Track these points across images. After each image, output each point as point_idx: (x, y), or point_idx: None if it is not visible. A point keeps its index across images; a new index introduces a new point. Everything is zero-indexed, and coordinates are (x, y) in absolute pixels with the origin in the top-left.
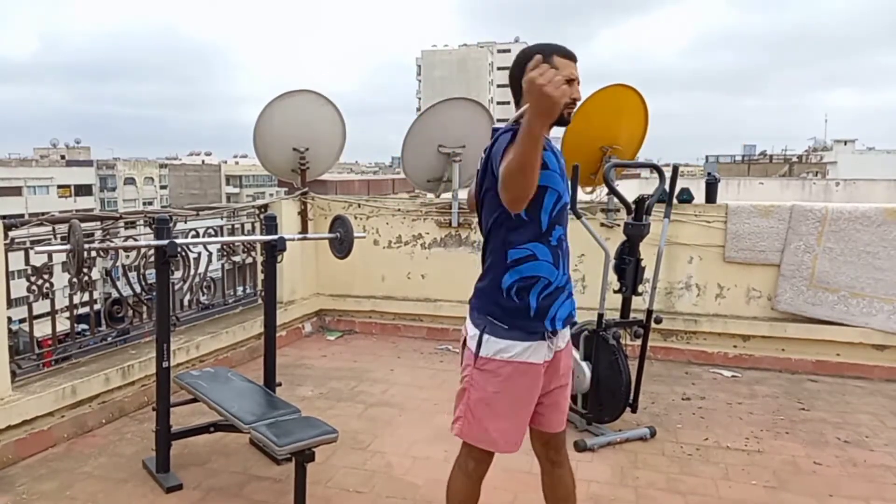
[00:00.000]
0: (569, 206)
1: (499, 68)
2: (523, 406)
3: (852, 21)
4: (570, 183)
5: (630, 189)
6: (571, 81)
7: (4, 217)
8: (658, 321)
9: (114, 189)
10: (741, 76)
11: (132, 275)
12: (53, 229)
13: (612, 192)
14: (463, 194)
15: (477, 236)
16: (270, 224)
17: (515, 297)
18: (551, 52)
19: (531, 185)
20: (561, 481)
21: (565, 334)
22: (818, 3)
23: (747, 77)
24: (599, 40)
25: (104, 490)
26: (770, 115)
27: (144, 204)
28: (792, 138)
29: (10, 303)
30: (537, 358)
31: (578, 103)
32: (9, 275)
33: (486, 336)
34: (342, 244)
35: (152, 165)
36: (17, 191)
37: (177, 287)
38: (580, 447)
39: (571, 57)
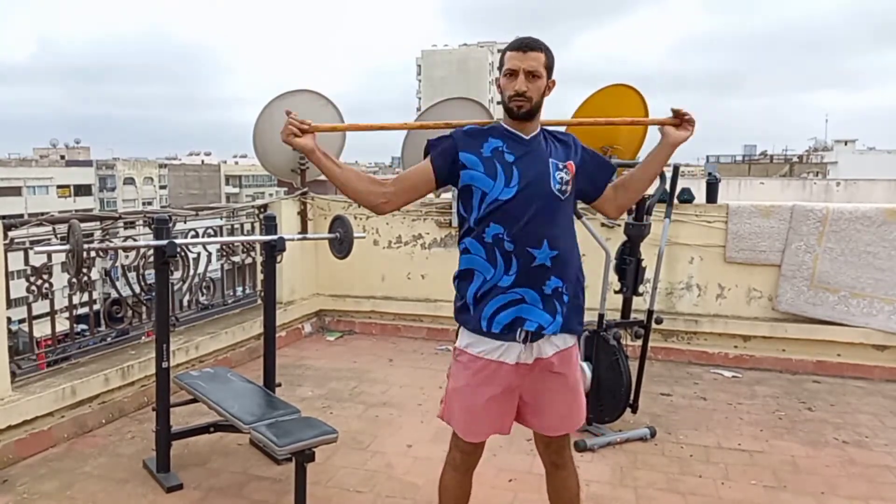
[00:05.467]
0: (509, 203)
1: (499, 68)
2: (486, 401)
3: (843, 23)
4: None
5: None
6: (515, 73)
7: (4, 217)
8: (659, 321)
9: (113, 189)
10: (735, 77)
11: (131, 275)
12: (53, 229)
13: None
14: None
15: None
16: (270, 224)
17: (457, 289)
18: (505, 50)
19: None
20: (565, 484)
21: (554, 342)
22: (806, 5)
23: (741, 78)
24: (587, 41)
25: (104, 490)
26: (767, 116)
27: (144, 204)
28: (786, 138)
29: (10, 303)
30: (507, 357)
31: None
32: (8, 275)
33: (461, 328)
34: (342, 244)
35: (152, 165)
36: (16, 191)
37: (176, 287)
38: (580, 447)
39: (521, 48)
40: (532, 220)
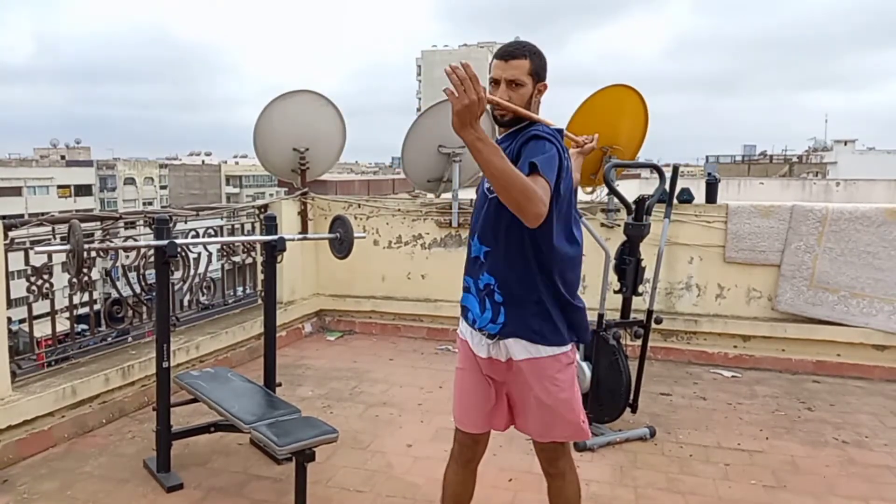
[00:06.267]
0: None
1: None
2: (468, 384)
3: (842, 23)
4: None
5: (630, 189)
6: (497, 83)
7: (4, 217)
8: (658, 321)
9: (114, 189)
10: (734, 77)
11: (132, 275)
12: (53, 229)
13: (613, 192)
14: (463, 194)
15: None
16: (270, 224)
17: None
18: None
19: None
20: (560, 493)
21: (525, 347)
22: (803, 4)
23: (740, 78)
24: (583, 41)
25: (105, 490)
26: (766, 116)
27: (144, 204)
28: (785, 138)
29: (10, 303)
30: (479, 351)
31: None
32: (9, 275)
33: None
34: (342, 244)
35: (152, 166)
36: (17, 191)
37: (176, 287)
38: (580, 447)
39: (503, 56)
40: (476, 215)
